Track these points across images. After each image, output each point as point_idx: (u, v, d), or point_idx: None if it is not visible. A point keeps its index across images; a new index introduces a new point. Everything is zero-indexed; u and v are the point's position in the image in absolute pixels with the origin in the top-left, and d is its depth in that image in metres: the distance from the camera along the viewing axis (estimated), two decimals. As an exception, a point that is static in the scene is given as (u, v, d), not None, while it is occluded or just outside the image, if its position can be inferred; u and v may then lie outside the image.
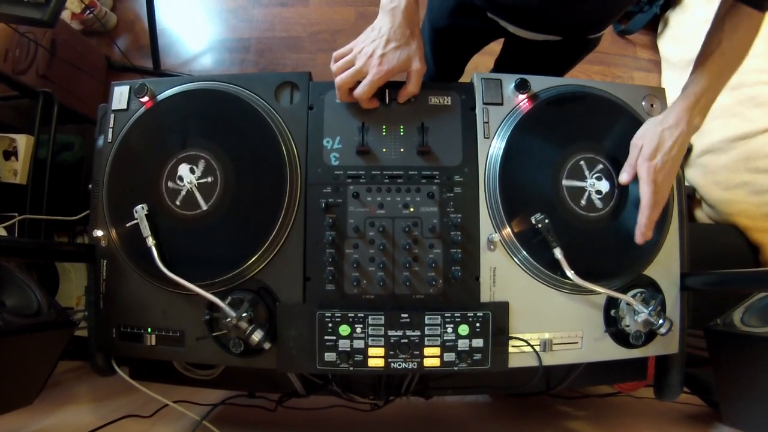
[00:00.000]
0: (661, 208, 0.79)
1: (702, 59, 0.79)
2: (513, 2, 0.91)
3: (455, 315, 0.76)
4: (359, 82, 0.79)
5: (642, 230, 0.78)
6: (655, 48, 2.10)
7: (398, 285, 0.79)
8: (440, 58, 1.21)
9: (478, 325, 0.76)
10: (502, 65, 1.19)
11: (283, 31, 2.17)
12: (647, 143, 0.78)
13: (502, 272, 0.80)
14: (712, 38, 0.78)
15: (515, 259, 0.81)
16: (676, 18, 1.94)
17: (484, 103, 0.85)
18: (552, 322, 0.81)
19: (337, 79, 0.79)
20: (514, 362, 0.79)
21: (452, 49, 1.18)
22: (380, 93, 0.83)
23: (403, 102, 0.83)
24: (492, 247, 0.80)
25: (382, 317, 0.76)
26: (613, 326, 0.82)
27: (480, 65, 1.24)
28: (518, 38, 1.00)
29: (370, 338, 0.76)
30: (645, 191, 0.77)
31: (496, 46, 1.18)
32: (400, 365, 0.76)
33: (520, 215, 0.80)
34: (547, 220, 0.78)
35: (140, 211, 0.79)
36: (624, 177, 0.81)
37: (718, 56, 0.77)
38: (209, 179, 0.82)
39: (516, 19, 0.96)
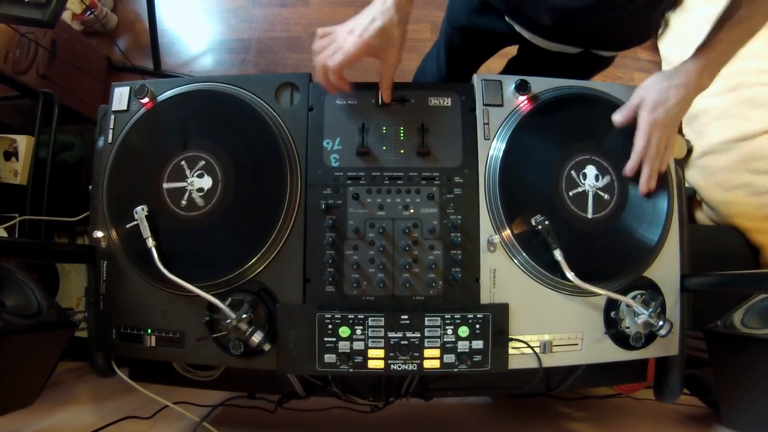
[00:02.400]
0: (659, 161, 0.80)
1: (719, 23, 0.78)
2: (530, 11, 0.91)
3: (455, 316, 0.76)
4: None
5: (644, 179, 0.81)
6: (655, 49, 2.09)
7: (398, 286, 0.79)
8: (453, 60, 1.20)
9: (478, 326, 0.76)
10: (513, 70, 1.18)
11: (284, 31, 2.17)
12: (651, 94, 0.79)
13: (502, 274, 0.80)
14: (731, 2, 0.77)
15: (515, 261, 0.81)
16: (676, 19, 1.94)
17: (484, 105, 0.85)
18: (552, 324, 0.81)
19: (316, 58, 0.78)
20: (514, 364, 0.79)
21: (467, 50, 1.17)
22: (373, 94, 0.83)
23: (388, 99, 0.82)
24: (492, 248, 0.80)
25: (382, 319, 0.76)
26: (613, 328, 0.82)
27: (482, 66, 1.24)
28: (533, 46, 1.00)
29: (369, 340, 0.76)
30: (639, 139, 0.79)
31: (507, 49, 1.17)
32: (399, 367, 0.76)
33: (520, 217, 0.80)
34: (547, 222, 0.78)
35: (140, 212, 0.79)
36: (618, 117, 0.82)
37: (735, 22, 0.76)
38: (209, 180, 0.82)
39: (532, 27, 0.96)
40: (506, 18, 0.99)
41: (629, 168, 0.82)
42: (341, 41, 0.75)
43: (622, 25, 0.91)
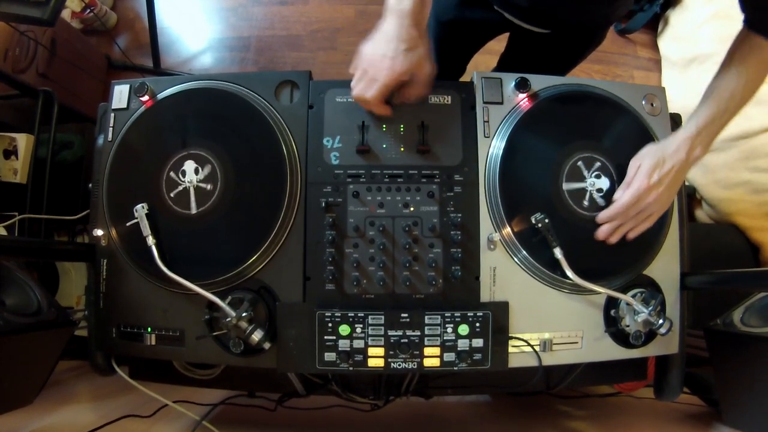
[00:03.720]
0: (633, 224, 0.80)
1: (709, 91, 0.78)
2: (518, 1, 0.91)
3: (455, 315, 0.76)
4: None
5: (606, 231, 0.80)
6: (655, 47, 2.09)
7: (398, 284, 0.79)
8: (443, 54, 1.20)
9: (478, 324, 0.76)
10: (505, 62, 1.18)
11: (283, 29, 2.17)
12: (646, 162, 0.78)
13: (502, 272, 0.80)
14: (721, 70, 0.77)
15: (515, 259, 0.81)
16: (676, 17, 1.94)
17: (485, 102, 0.84)
18: (552, 322, 0.81)
19: (353, 93, 0.78)
20: (514, 362, 0.79)
21: (456, 43, 1.17)
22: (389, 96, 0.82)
23: (411, 103, 0.82)
24: (492, 246, 0.80)
25: (382, 317, 0.76)
26: (613, 326, 0.82)
27: (480, 64, 1.24)
28: (523, 31, 1.00)
29: (370, 338, 0.76)
30: (626, 196, 0.78)
31: (497, 46, 1.17)
32: (400, 365, 0.76)
33: (520, 214, 0.80)
34: (547, 220, 0.78)
35: (140, 210, 0.79)
36: (619, 194, 0.80)
37: (724, 89, 0.76)
38: (209, 178, 0.82)
39: (521, 15, 0.95)
40: (495, 7, 0.98)
41: (602, 216, 0.80)
42: (374, 71, 0.75)
43: (607, 6, 0.91)
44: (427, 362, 0.76)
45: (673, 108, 0.90)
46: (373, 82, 0.75)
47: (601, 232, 0.80)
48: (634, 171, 0.79)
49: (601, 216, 0.80)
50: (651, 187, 0.77)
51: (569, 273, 0.77)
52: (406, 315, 0.76)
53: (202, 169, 0.82)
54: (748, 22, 0.73)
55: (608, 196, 0.83)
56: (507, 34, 1.13)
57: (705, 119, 0.76)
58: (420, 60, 0.75)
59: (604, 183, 0.83)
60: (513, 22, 0.99)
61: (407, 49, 0.73)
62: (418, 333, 0.76)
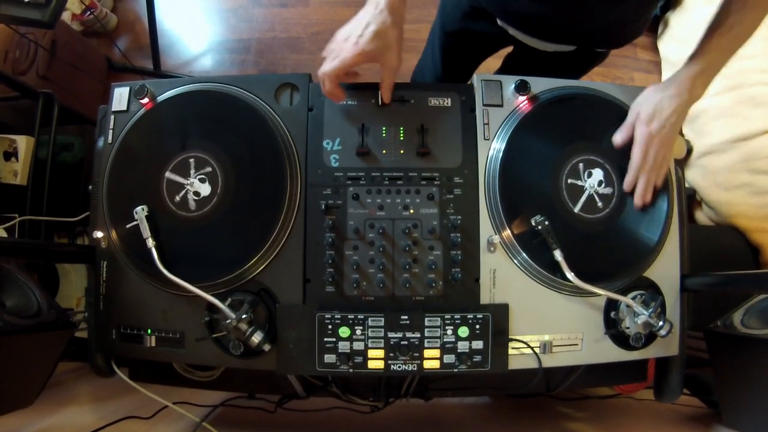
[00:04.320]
0: (655, 174, 0.81)
1: (710, 31, 0.78)
2: (522, 11, 0.91)
3: (455, 317, 0.76)
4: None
5: (639, 192, 0.81)
6: (655, 49, 2.09)
7: (398, 286, 0.79)
8: (449, 63, 1.21)
9: (477, 326, 0.76)
10: (509, 70, 1.19)
11: (284, 31, 2.17)
12: (645, 108, 0.79)
13: (502, 274, 0.80)
14: (721, 10, 0.77)
15: (515, 261, 0.81)
16: (676, 19, 1.94)
17: (484, 105, 0.85)
18: (552, 324, 0.81)
19: (319, 71, 0.77)
20: (513, 364, 0.79)
21: (462, 53, 1.18)
22: (373, 95, 0.83)
23: (388, 101, 0.82)
24: (492, 248, 0.80)
25: (382, 319, 0.76)
26: (613, 328, 0.82)
27: (481, 66, 1.24)
28: (527, 48, 1.00)
29: (369, 340, 0.76)
30: (635, 152, 0.80)
31: (500, 51, 1.17)
32: (399, 367, 0.76)
33: (520, 217, 0.80)
34: (547, 222, 0.78)
35: (140, 212, 0.79)
36: (618, 137, 0.82)
37: (725, 29, 0.76)
38: (209, 181, 0.82)
39: (525, 28, 0.96)
40: (498, 22, 0.99)
41: (627, 182, 0.82)
42: (338, 49, 0.75)
43: (615, 23, 0.91)
44: (427, 364, 0.76)
45: (672, 110, 0.90)
46: (339, 61, 0.75)
47: (637, 199, 0.82)
48: (634, 116, 0.80)
49: (626, 183, 0.82)
50: (653, 134, 0.78)
51: (569, 275, 0.77)
52: (406, 317, 0.76)
53: (202, 172, 0.82)
54: None
55: (608, 198, 0.83)
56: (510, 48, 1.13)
57: (707, 59, 0.77)
58: (386, 46, 0.74)
59: (604, 185, 0.83)
60: (516, 38, 0.99)
61: (375, 31, 0.73)
62: (418, 335, 0.76)
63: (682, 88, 0.77)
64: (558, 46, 0.97)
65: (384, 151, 0.83)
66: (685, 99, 0.77)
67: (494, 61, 1.23)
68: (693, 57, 0.79)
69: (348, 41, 0.74)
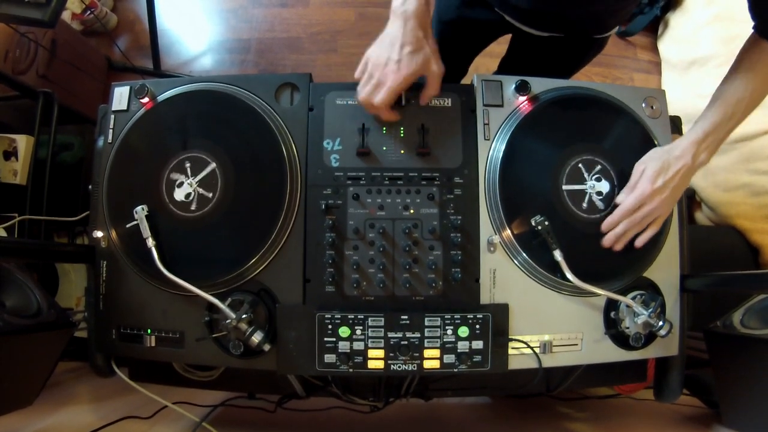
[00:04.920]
0: (637, 230, 0.80)
1: (716, 96, 0.78)
2: (517, 2, 0.91)
3: (455, 317, 0.76)
4: None
5: (612, 238, 0.80)
6: (655, 50, 2.10)
7: (398, 286, 0.79)
8: (445, 54, 1.20)
9: (477, 326, 0.76)
10: (506, 66, 1.19)
11: (284, 31, 2.17)
12: (651, 166, 0.78)
13: (502, 274, 0.80)
14: (729, 75, 0.77)
15: (515, 261, 0.81)
16: (676, 20, 1.94)
17: (485, 105, 0.85)
18: (552, 324, 0.81)
19: (360, 96, 0.78)
20: (513, 364, 0.79)
21: (458, 43, 1.17)
22: (397, 99, 0.82)
23: (424, 104, 0.83)
24: (492, 248, 0.80)
25: (382, 319, 0.76)
26: (613, 328, 0.82)
27: (480, 67, 1.24)
28: (524, 34, 1.00)
29: (369, 340, 0.76)
30: (629, 200, 0.78)
31: (498, 48, 1.17)
32: (399, 367, 0.76)
33: (520, 217, 0.80)
34: (547, 222, 0.78)
35: (140, 212, 0.79)
36: (622, 197, 0.81)
37: (732, 95, 0.76)
38: (209, 180, 0.82)
39: (518, 17, 0.96)
40: (495, 9, 0.99)
41: (607, 223, 0.81)
42: (380, 75, 0.75)
43: (609, 6, 0.91)
44: (427, 364, 0.76)
45: (673, 111, 0.90)
46: (380, 86, 0.75)
47: (607, 240, 0.80)
48: (639, 175, 0.79)
49: (606, 223, 0.81)
50: (655, 191, 0.77)
51: (569, 275, 0.77)
52: (406, 317, 0.76)
53: (202, 172, 0.82)
54: (758, 29, 0.73)
55: (608, 198, 0.83)
56: (508, 37, 1.13)
57: (711, 125, 0.76)
58: (426, 61, 0.75)
59: (604, 186, 0.83)
60: (514, 25, 0.99)
61: (412, 51, 0.73)
62: (418, 335, 0.76)
63: (685, 152, 0.77)
64: (552, 33, 0.97)
65: (384, 151, 0.83)
66: (688, 163, 0.77)
67: (493, 63, 1.23)
68: (698, 122, 0.78)
69: (388, 66, 0.74)
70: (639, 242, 0.81)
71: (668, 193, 0.77)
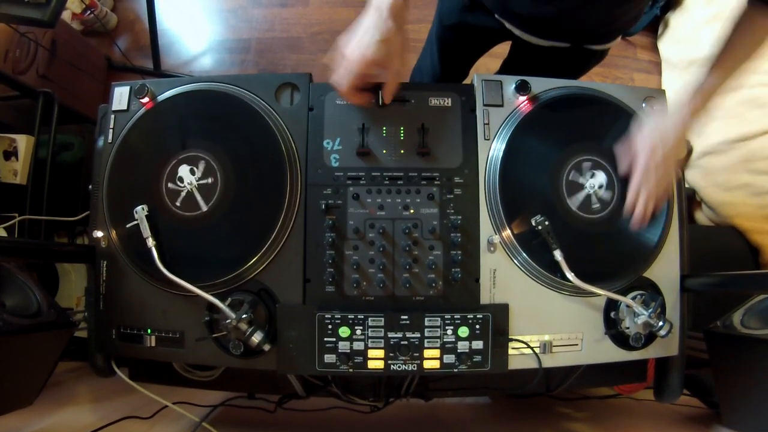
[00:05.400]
0: (652, 203, 0.81)
1: (710, 60, 0.78)
2: (519, 9, 0.91)
3: (455, 317, 0.76)
4: None
5: (638, 217, 0.82)
6: (655, 49, 2.10)
7: (398, 286, 0.79)
8: (446, 58, 1.21)
9: (477, 326, 0.76)
10: (508, 68, 1.19)
11: (284, 31, 2.17)
12: (649, 137, 0.79)
13: (502, 274, 0.80)
14: (722, 39, 0.77)
15: (515, 261, 0.81)
16: (676, 19, 1.94)
17: (485, 105, 0.85)
18: (552, 324, 0.81)
19: (331, 80, 0.77)
20: (513, 364, 0.79)
21: (459, 48, 1.18)
22: (373, 95, 0.82)
23: (389, 102, 0.82)
24: (492, 248, 0.80)
25: (382, 319, 0.76)
26: (613, 328, 0.82)
27: (481, 67, 1.24)
28: (525, 42, 1.00)
29: (369, 340, 0.76)
30: (637, 177, 0.80)
31: (500, 48, 1.17)
32: (399, 367, 0.76)
33: (520, 217, 0.80)
34: (547, 222, 0.78)
35: (140, 211, 0.79)
36: (624, 168, 0.82)
37: (726, 58, 0.76)
38: (209, 180, 0.82)
39: (519, 24, 0.96)
40: (496, 16, 0.99)
41: (627, 206, 0.83)
42: (345, 59, 0.75)
43: (610, 18, 0.92)
44: (427, 364, 0.76)
45: (673, 110, 0.90)
46: (346, 71, 0.75)
47: (636, 222, 0.82)
48: (637, 146, 0.81)
49: (627, 208, 0.82)
50: (658, 164, 0.78)
51: (569, 275, 0.77)
52: (406, 317, 0.76)
53: (202, 171, 0.82)
54: None
55: (608, 198, 0.83)
56: (509, 43, 1.13)
57: (707, 87, 0.77)
58: (391, 53, 0.74)
59: (604, 186, 0.83)
60: (514, 33, 0.99)
61: (381, 40, 0.72)
62: (418, 335, 0.76)
63: (682, 117, 0.79)
64: (553, 43, 0.97)
65: (384, 151, 0.83)
66: (685, 127, 0.79)
67: (494, 62, 1.23)
68: (692, 85, 0.79)
69: (355, 52, 0.74)
70: (657, 209, 0.83)
71: (669, 161, 0.79)
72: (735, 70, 0.76)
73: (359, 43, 0.73)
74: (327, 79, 0.79)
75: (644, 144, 0.80)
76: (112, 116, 0.87)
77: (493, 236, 0.80)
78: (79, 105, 1.69)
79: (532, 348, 0.80)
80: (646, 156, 0.79)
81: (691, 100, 0.78)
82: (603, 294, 0.78)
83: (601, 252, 0.83)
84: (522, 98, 0.85)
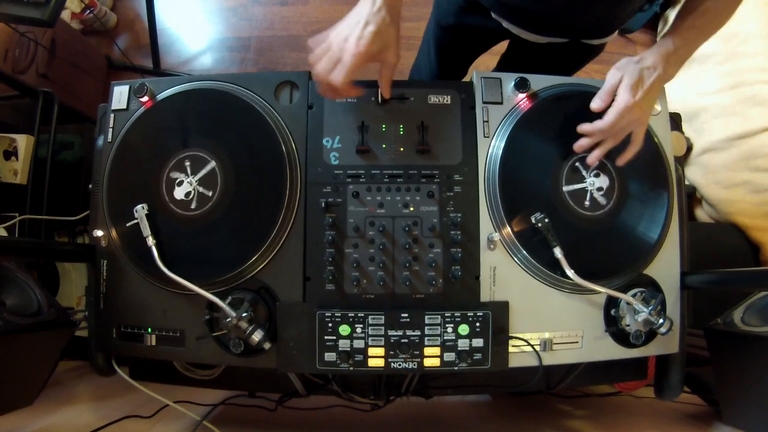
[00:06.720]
0: (612, 142, 0.80)
1: (685, 13, 0.78)
2: (516, 4, 0.91)
3: (455, 314, 0.76)
4: None
5: (597, 155, 0.81)
6: (655, 47, 2.09)
7: (398, 284, 0.79)
8: (444, 58, 1.20)
9: (478, 324, 0.76)
10: (505, 65, 1.19)
11: (283, 29, 2.17)
12: (628, 76, 0.77)
13: (502, 271, 0.80)
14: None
15: (515, 259, 0.81)
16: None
17: (484, 102, 0.85)
18: (552, 322, 0.81)
19: (315, 69, 0.75)
20: (514, 362, 0.79)
21: (457, 48, 1.17)
22: (373, 92, 0.83)
23: (387, 96, 0.82)
24: (492, 246, 0.80)
25: (382, 317, 0.76)
26: (614, 326, 0.82)
27: (480, 64, 1.24)
28: (522, 40, 1.00)
29: (370, 338, 0.76)
30: (610, 115, 0.77)
31: (498, 46, 1.17)
32: (400, 365, 0.76)
33: (519, 214, 0.80)
34: (546, 219, 0.78)
35: (140, 210, 0.79)
36: (598, 103, 0.80)
37: (700, 14, 0.76)
38: (209, 179, 0.82)
39: (519, 21, 0.96)
40: (493, 15, 0.99)
41: (584, 128, 0.80)
42: (338, 51, 0.73)
43: (609, 13, 0.91)
44: (428, 362, 0.76)
45: (672, 108, 0.90)
46: (338, 63, 0.73)
47: (579, 146, 0.81)
48: (615, 81, 0.78)
49: (584, 127, 0.80)
50: (636, 103, 0.76)
51: (569, 272, 0.77)
52: (406, 315, 0.76)
53: (202, 170, 0.82)
54: None
55: (608, 195, 0.83)
56: (507, 42, 1.13)
57: (682, 40, 0.77)
58: (386, 45, 0.73)
59: (603, 182, 0.83)
60: (511, 31, 0.99)
61: (375, 31, 0.71)
62: (418, 333, 0.76)
63: (657, 63, 0.77)
64: (550, 39, 0.97)
65: (384, 149, 0.83)
66: (661, 75, 0.77)
67: (493, 60, 1.23)
68: (667, 35, 0.78)
69: (348, 42, 0.72)
70: (622, 161, 0.81)
71: (646, 104, 0.78)
72: (710, 22, 0.77)
73: (353, 35, 0.72)
74: (309, 61, 0.77)
75: (625, 80, 0.77)
76: (112, 115, 0.87)
77: (493, 234, 0.80)
78: (79, 104, 1.69)
79: (532, 346, 0.80)
80: (625, 94, 0.77)
81: (662, 45, 0.78)
82: (603, 291, 0.78)
83: (601, 249, 0.83)
84: (521, 95, 0.85)
